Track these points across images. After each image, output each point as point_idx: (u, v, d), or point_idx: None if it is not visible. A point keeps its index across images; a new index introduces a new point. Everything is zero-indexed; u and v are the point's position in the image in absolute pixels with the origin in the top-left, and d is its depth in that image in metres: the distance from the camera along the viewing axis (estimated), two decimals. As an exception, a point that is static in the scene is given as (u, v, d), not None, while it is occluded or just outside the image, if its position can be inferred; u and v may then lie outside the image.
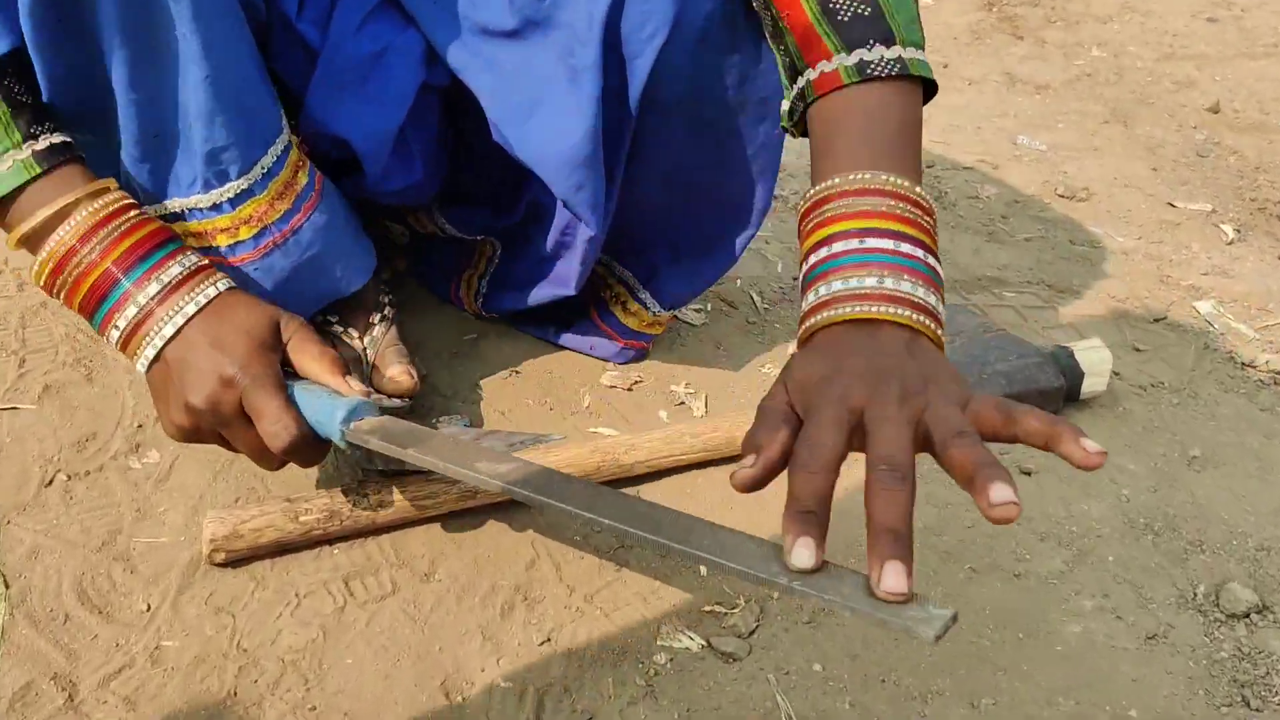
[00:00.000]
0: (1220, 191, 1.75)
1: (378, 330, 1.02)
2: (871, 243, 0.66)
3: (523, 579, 0.90)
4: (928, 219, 0.68)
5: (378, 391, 0.99)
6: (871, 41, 0.73)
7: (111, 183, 0.80)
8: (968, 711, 0.82)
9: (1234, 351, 1.30)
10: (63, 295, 0.79)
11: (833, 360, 0.63)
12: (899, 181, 0.68)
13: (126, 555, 0.88)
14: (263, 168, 0.86)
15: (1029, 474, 1.06)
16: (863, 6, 0.74)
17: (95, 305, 0.79)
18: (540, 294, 1.07)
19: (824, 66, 0.74)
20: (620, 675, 0.83)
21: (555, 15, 0.88)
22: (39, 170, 0.76)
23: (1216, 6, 2.57)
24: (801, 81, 0.76)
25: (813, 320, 0.66)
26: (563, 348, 1.16)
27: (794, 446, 0.59)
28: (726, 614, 0.88)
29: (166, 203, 0.85)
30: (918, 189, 0.69)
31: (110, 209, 0.78)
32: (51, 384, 1.05)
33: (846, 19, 0.74)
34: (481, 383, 1.12)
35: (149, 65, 0.78)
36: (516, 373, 1.14)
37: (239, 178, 0.85)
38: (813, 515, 0.57)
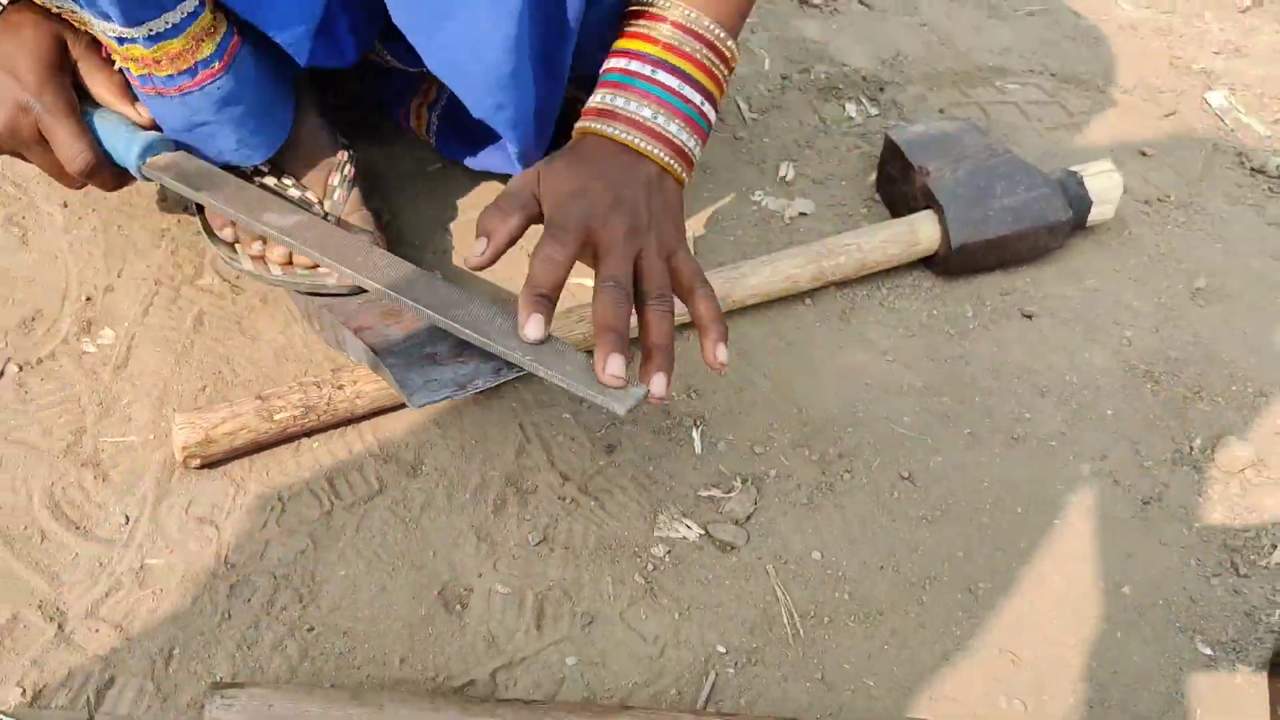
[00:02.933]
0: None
1: (339, 193, 0.93)
2: (661, 76, 0.78)
3: (513, 468, 0.87)
4: (724, 69, 0.81)
5: None
6: None
7: None
8: (965, 597, 0.83)
9: (1244, 154, 1.23)
10: None
11: (584, 176, 0.76)
12: (716, 31, 0.79)
13: (95, 459, 0.84)
14: (149, 29, 0.78)
15: (1030, 317, 1.02)
16: None
17: None
18: (488, 160, 0.99)
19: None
20: (619, 573, 0.82)
21: None
22: None
23: None
24: None
25: (589, 122, 0.79)
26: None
27: (538, 243, 0.72)
28: (723, 499, 0.86)
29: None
30: (730, 42, 0.81)
31: None
32: (-16, 250, 0.96)
33: None
34: (451, 226, 1.05)
35: None
36: (489, 212, 1.06)
37: (123, 26, 0.77)
38: (545, 299, 0.71)
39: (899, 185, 1.08)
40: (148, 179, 0.86)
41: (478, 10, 0.78)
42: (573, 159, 0.78)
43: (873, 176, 1.14)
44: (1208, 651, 0.81)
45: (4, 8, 0.82)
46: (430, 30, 0.81)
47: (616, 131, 0.78)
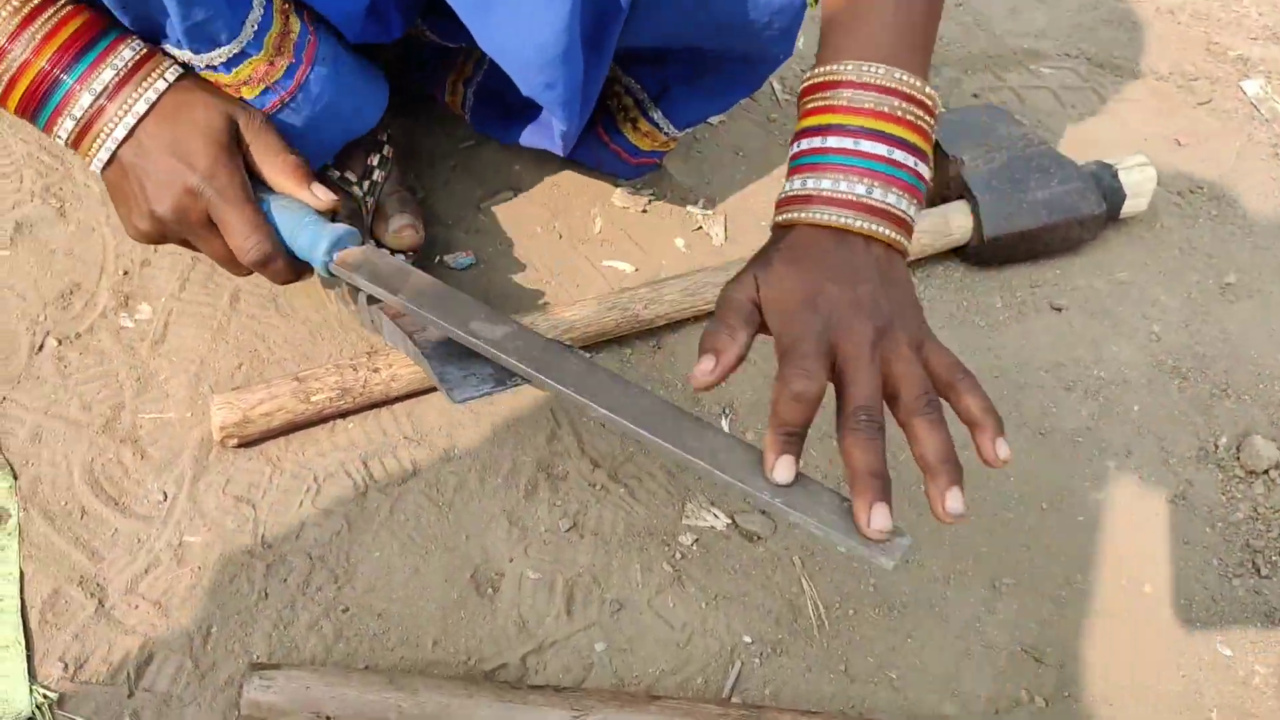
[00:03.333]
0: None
1: (378, 174, 0.93)
2: (866, 146, 0.67)
3: (544, 453, 0.88)
4: (928, 120, 0.69)
5: (379, 243, 0.92)
6: None
7: None
8: (988, 593, 0.84)
9: (1278, 145, 1.22)
10: None
11: (810, 279, 0.66)
12: (911, 81, 0.68)
13: (134, 435, 0.85)
14: (253, 24, 0.75)
15: (1060, 310, 1.02)
16: None
17: (37, 107, 0.73)
18: (527, 137, 0.98)
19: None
20: (647, 560, 0.83)
21: None
22: None
23: None
24: None
25: (793, 213, 0.69)
26: (568, 160, 1.07)
27: (781, 372, 0.62)
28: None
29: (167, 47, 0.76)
30: (928, 89, 0.69)
31: (35, 2, 0.71)
32: (22, 221, 0.97)
33: None
34: (483, 206, 1.05)
35: None
36: (519, 192, 1.06)
37: (230, 42, 0.75)
38: (795, 438, 0.62)
39: (933, 172, 1.07)
40: (334, 275, 0.77)
41: None
42: (789, 259, 0.68)
43: (905, 162, 1.13)
44: (1227, 652, 0.82)
45: (169, 84, 0.74)
46: (483, 9, 0.80)
47: (828, 218, 0.67)
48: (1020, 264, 1.05)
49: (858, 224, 0.67)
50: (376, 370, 0.86)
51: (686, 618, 0.80)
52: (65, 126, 0.73)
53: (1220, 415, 0.97)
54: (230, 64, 0.76)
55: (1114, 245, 1.08)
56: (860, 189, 0.67)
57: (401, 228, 0.91)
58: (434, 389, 0.89)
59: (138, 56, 0.73)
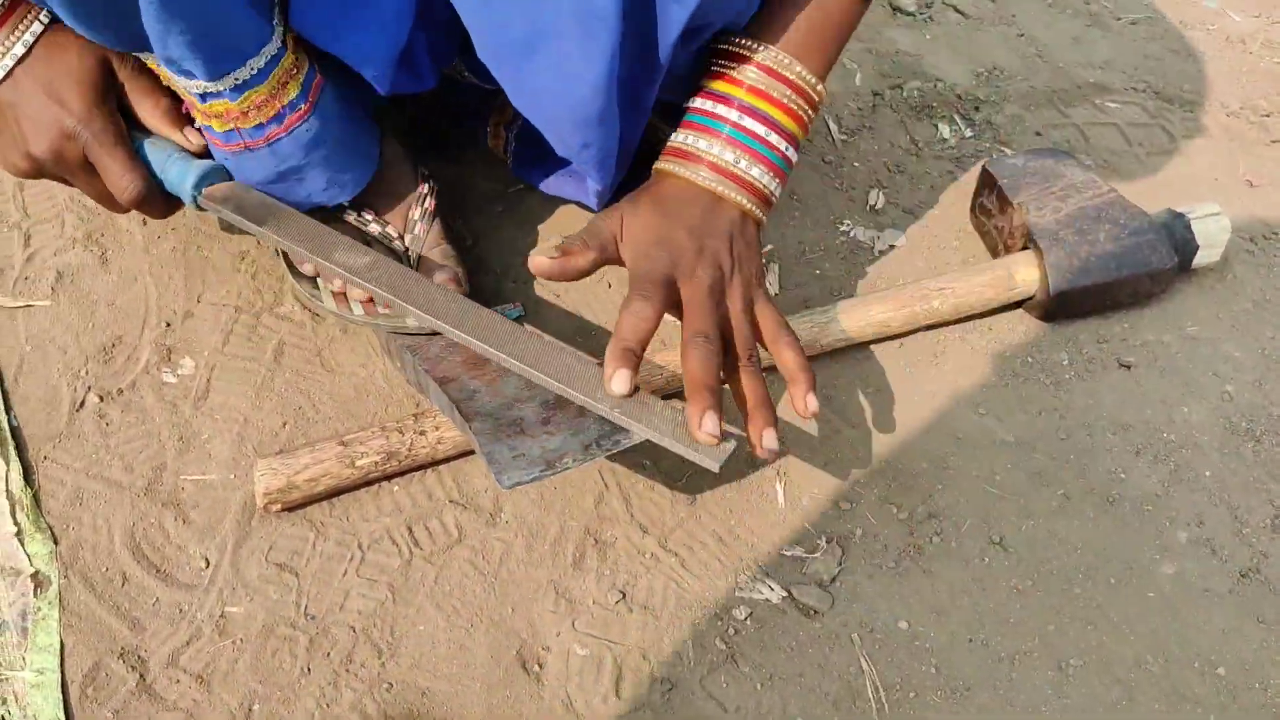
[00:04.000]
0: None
1: (419, 227, 0.91)
2: (748, 122, 0.79)
3: (592, 518, 0.85)
4: (810, 112, 0.82)
5: None
6: None
7: None
8: (1055, 674, 0.80)
9: (1357, 186, 1.17)
10: None
11: (667, 224, 0.77)
12: (806, 77, 0.80)
13: (176, 498, 0.84)
14: (235, 79, 0.76)
15: (1128, 367, 0.98)
16: None
17: None
18: (563, 186, 0.96)
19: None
20: (699, 637, 0.80)
21: None
22: None
23: None
24: None
25: (672, 164, 0.81)
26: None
27: (626, 296, 0.73)
28: (807, 558, 0.84)
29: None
30: (819, 86, 0.81)
31: None
32: (64, 270, 0.96)
33: None
34: (532, 252, 1.02)
35: None
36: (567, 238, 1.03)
37: (208, 81, 0.75)
38: (632, 353, 0.71)
39: (994, 219, 1.04)
40: (202, 209, 0.84)
41: (568, 47, 0.74)
42: (655, 204, 0.79)
43: (966, 205, 1.10)
44: (1308, 744, 0.78)
45: (45, 26, 0.79)
46: (517, 64, 0.78)
47: (699, 177, 0.79)
48: (1087, 318, 1.01)
49: (720, 189, 0.79)
50: (423, 433, 0.84)
51: (740, 699, 0.77)
52: None
53: (1298, 481, 0.92)
54: (205, 96, 0.77)
55: (1184, 297, 1.04)
56: (729, 157, 0.79)
57: (444, 283, 0.89)
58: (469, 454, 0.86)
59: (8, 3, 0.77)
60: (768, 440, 0.71)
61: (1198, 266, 1.03)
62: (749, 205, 0.80)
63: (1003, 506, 0.88)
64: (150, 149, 0.84)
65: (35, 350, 0.91)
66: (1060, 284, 0.96)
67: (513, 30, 0.75)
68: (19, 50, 0.78)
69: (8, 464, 0.84)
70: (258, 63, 0.75)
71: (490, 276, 1.00)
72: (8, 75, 0.78)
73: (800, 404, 0.75)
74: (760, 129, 0.80)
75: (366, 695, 0.76)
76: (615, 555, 0.84)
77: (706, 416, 0.70)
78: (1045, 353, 0.99)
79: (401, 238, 0.91)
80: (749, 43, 0.80)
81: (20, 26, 0.78)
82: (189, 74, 0.74)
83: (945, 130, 1.18)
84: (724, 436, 0.71)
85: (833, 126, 1.17)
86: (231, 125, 0.78)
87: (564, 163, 0.97)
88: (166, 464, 0.85)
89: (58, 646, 0.76)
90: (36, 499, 0.83)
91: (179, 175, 0.83)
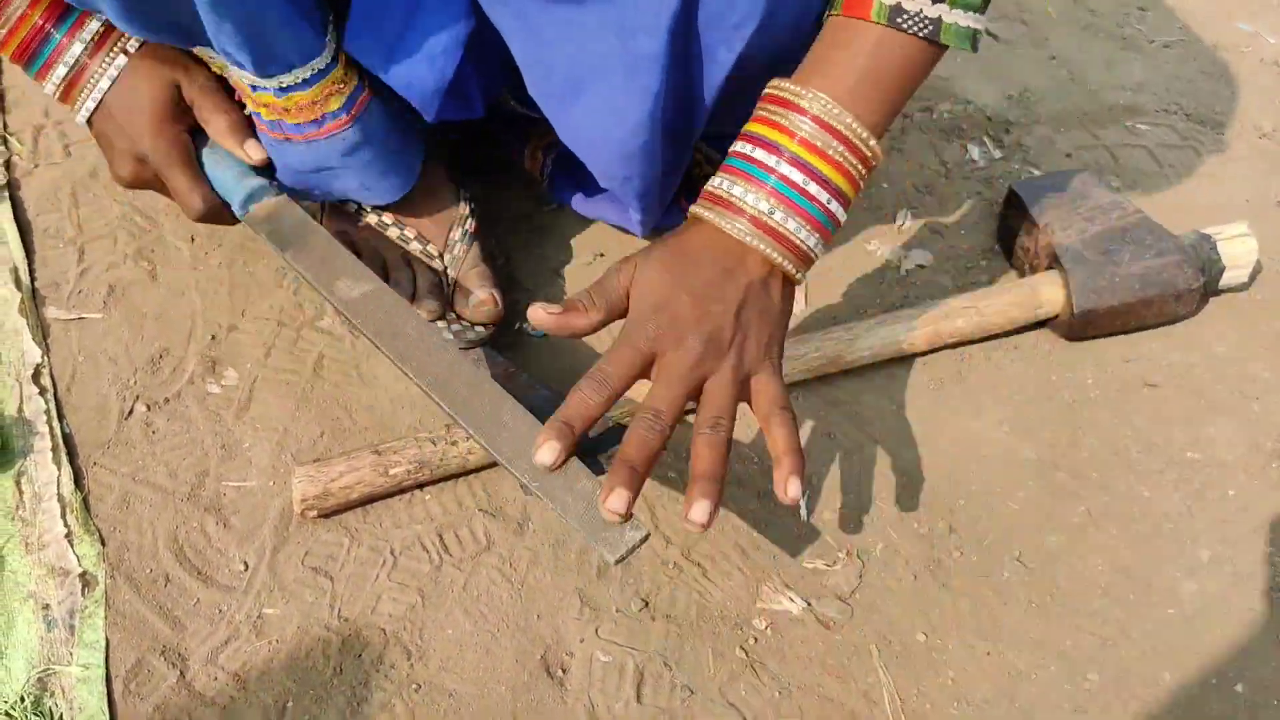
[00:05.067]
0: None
1: (459, 248, 0.95)
2: (785, 169, 0.71)
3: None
4: (860, 169, 0.73)
5: (459, 317, 0.93)
6: None
7: None
8: (1071, 689, 0.81)
9: (1392, 207, 1.17)
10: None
11: (672, 285, 0.71)
12: (857, 129, 0.72)
13: (217, 504, 0.87)
14: (279, 82, 0.80)
15: (1154, 386, 0.99)
16: None
17: (31, 56, 0.86)
18: (602, 209, 0.99)
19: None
20: (719, 645, 0.82)
21: None
22: None
23: None
24: None
25: (704, 210, 0.74)
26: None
27: (591, 371, 0.69)
28: (827, 571, 0.86)
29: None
30: (871, 142, 0.73)
31: None
32: (115, 284, 1.00)
33: None
34: (564, 271, 1.05)
35: None
36: (601, 256, 1.06)
37: (256, 76, 0.79)
38: (569, 428, 0.68)
39: (1021, 239, 1.05)
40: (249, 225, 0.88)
41: (614, 87, 0.77)
42: (671, 259, 0.73)
43: (994, 226, 1.11)
44: (1327, 763, 0.78)
45: (128, 58, 0.86)
46: (565, 102, 0.81)
47: (734, 229, 0.72)
48: (1112, 336, 1.01)
49: (753, 242, 0.72)
50: (454, 443, 0.87)
51: (759, 707, 0.79)
52: (58, 73, 0.85)
53: (1324, 502, 0.92)
54: (284, 91, 0.81)
55: (1211, 318, 1.04)
56: (764, 206, 0.72)
57: (480, 303, 0.92)
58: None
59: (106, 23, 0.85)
60: (695, 512, 0.66)
61: (1225, 287, 1.03)
62: (780, 260, 0.73)
63: (1024, 523, 0.89)
64: (210, 160, 0.89)
65: (87, 361, 0.95)
66: (1085, 304, 0.97)
67: (561, 69, 0.78)
68: (105, 84, 0.86)
69: (59, 469, 0.88)
70: (303, 73, 0.79)
71: (523, 293, 1.03)
72: (99, 106, 0.87)
73: (781, 488, 0.69)
74: (800, 178, 0.71)
75: (395, 696, 0.78)
76: (639, 564, 0.86)
77: (615, 493, 0.66)
78: (1070, 372, 0.99)
79: (441, 256, 0.94)
80: (799, 89, 0.72)
81: (106, 60, 0.86)
82: (240, 65, 0.78)
83: (975, 152, 1.20)
84: (633, 524, 0.67)
85: (862, 148, 1.19)
86: (275, 117, 0.83)
87: (602, 188, 1.00)
88: (209, 470, 0.89)
89: (103, 643, 0.79)
90: (86, 503, 0.87)
91: (232, 189, 0.88)
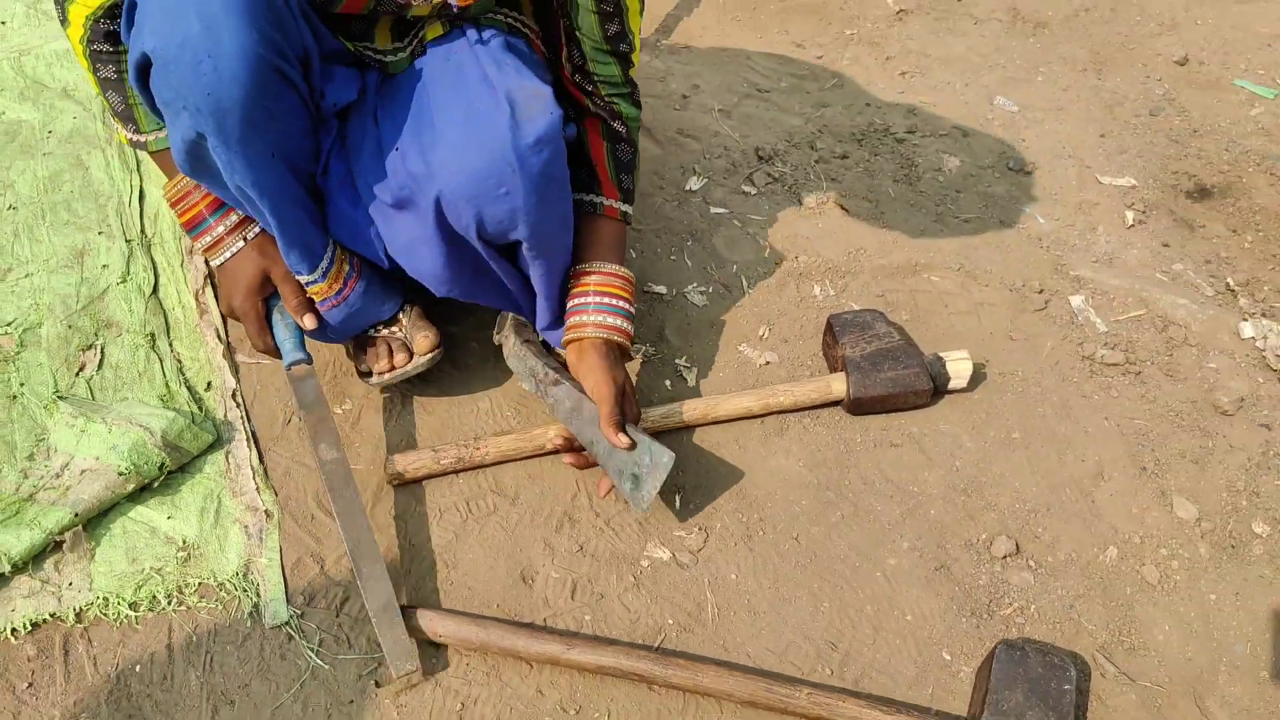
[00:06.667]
0: (1150, 161, 2.20)
1: (405, 320, 1.60)
2: (606, 300, 1.51)
3: (569, 506, 1.53)
4: (630, 286, 1.55)
5: (416, 354, 1.58)
6: (627, 200, 1.53)
7: None
8: (813, 608, 1.46)
9: (1083, 344, 1.83)
10: (176, 210, 1.45)
11: (594, 368, 1.47)
12: (621, 271, 1.54)
13: (341, 476, 1.53)
14: (320, 270, 1.44)
15: (897, 446, 1.65)
16: (626, 178, 1.51)
17: (193, 225, 1.46)
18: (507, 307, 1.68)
19: (610, 202, 1.56)
20: (620, 573, 1.47)
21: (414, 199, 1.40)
22: (156, 150, 1.45)
23: (1225, -66, 2.83)
24: (597, 199, 1.56)
25: (578, 334, 1.51)
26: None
27: (611, 415, 1.45)
28: (685, 537, 1.51)
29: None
30: (624, 271, 1.55)
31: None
32: (279, 342, 1.66)
33: (624, 185, 1.58)
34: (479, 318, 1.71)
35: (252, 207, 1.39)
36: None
37: (309, 274, 1.44)
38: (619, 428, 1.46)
39: (831, 350, 1.71)
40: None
41: (424, 252, 1.45)
42: (584, 357, 1.49)
43: (820, 340, 1.77)
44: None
45: (246, 242, 1.47)
46: (408, 261, 1.48)
47: (599, 335, 1.50)
48: (877, 414, 1.67)
49: (612, 337, 1.51)
50: (479, 449, 1.53)
51: (639, 607, 1.44)
52: (205, 240, 1.45)
53: (986, 522, 1.58)
54: (310, 283, 1.45)
55: (941, 408, 1.70)
56: (608, 320, 1.51)
57: (420, 339, 1.56)
58: (515, 459, 1.55)
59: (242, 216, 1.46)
60: (621, 439, 1.42)
61: (951, 389, 1.70)
62: (622, 341, 1.52)
63: (803, 518, 1.55)
64: (278, 320, 1.52)
65: (263, 388, 1.61)
66: (856, 393, 1.63)
67: (399, 243, 1.45)
68: (228, 255, 1.47)
69: (250, 450, 1.53)
70: (324, 261, 1.44)
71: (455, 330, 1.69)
72: (223, 264, 1.48)
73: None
74: (609, 302, 1.51)
75: (440, 590, 1.43)
76: (580, 527, 1.51)
77: (621, 433, 1.42)
78: (846, 434, 1.65)
79: (400, 331, 1.60)
80: (592, 264, 1.53)
81: (233, 240, 1.46)
82: (299, 272, 1.43)
83: (818, 290, 1.86)
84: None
85: (745, 282, 1.85)
86: (322, 295, 1.47)
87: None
88: (336, 457, 1.54)
89: (278, 549, 1.44)
90: (265, 472, 1.52)
91: (285, 348, 1.51)
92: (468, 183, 1.31)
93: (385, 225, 1.43)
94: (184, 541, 1.41)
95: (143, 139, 1.43)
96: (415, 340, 1.59)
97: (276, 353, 1.52)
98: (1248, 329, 1.86)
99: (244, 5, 1.14)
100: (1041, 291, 1.92)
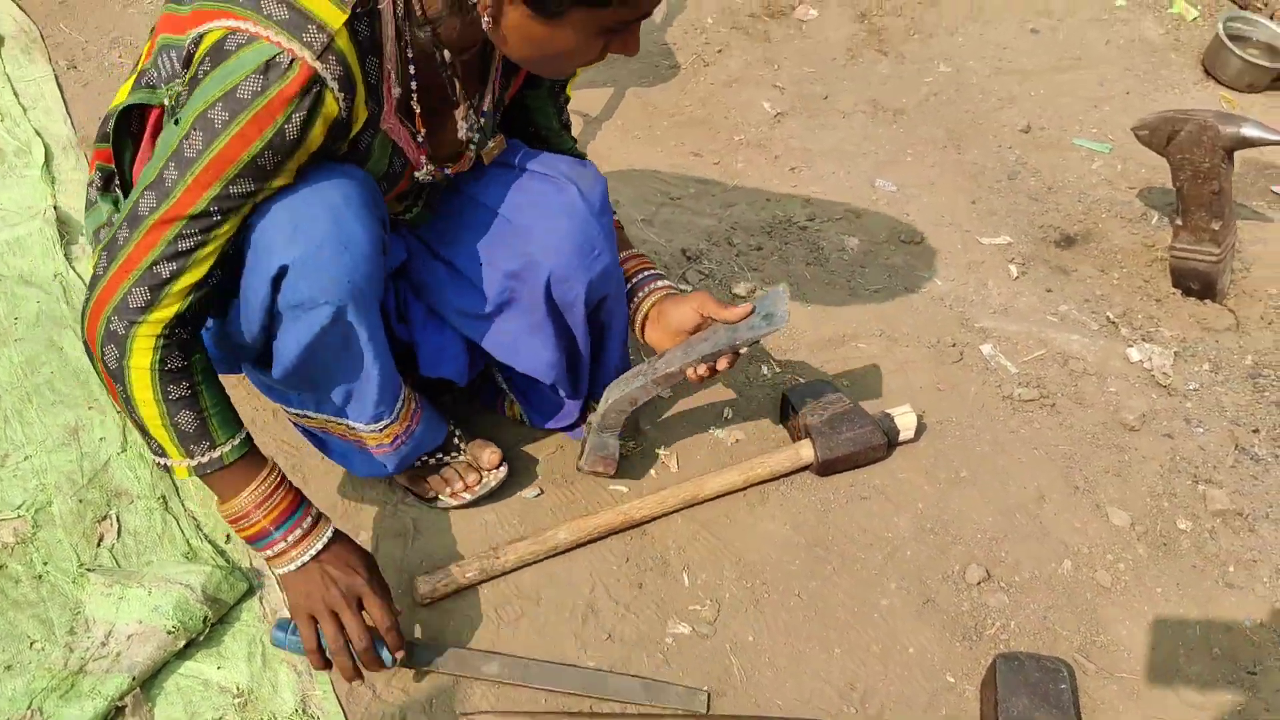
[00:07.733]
0: (1019, 219, 2.48)
1: (460, 443, 1.73)
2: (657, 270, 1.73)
3: (589, 599, 1.65)
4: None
5: (483, 471, 1.71)
6: None
7: (270, 463, 1.40)
8: (815, 658, 1.61)
9: (1000, 385, 2.06)
10: (234, 528, 1.39)
11: (682, 299, 1.64)
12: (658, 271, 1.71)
13: (372, 603, 1.62)
14: (396, 411, 1.56)
15: (865, 499, 1.83)
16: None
17: (255, 539, 1.39)
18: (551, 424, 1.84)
19: (654, 284, 1.70)
20: (649, 651, 1.59)
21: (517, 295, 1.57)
22: (231, 461, 1.35)
23: (1040, 16, 3.21)
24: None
25: (664, 291, 1.69)
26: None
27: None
28: (699, 609, 1.65)
29: (344, 420, 1.55)
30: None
31: (270, 486, 1.38)
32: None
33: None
34: (544, 453, 1.84)
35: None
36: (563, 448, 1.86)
37: (389, 416, 1.55)
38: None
39: (792, 421, 1.89)
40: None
41: (533, 343, 1.61)
42: (671, 310, 1.67)
43: (778, 414, 1.95)
44: (948, 678, 1.60)
45: (324, 544, 1.41)
46: (511, 358, 1.63)
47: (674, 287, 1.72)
48: (843, 473, 1.86)
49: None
50: (498, 558, 1.64)
51: (673, 680, 1.56)
52: (267, 554, 1.39)
53: (956, 554, 1.76)
54: (382, 428, 1.55)
55: (895, 458, 1.89)
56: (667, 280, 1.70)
57: (485, 456, 1.71)
58: (529, 564, 1.66)
59: (315, 519, 1.42)
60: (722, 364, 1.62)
61: (901, 441, 1.89)
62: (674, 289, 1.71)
63: (799, 576, 1.71)
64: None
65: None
66: (823, 457, 1.81)
67: (505, 345, 1.60)
68: (312, 552, 1.40)
69: (282, 592, 1.61)
70: (400, 400, 1.55)
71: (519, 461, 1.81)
72: (304, 565, 1.39)
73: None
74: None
75: (487, 697, 1.53)
76: (603, 616, 1.63)
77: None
78: (821, 494, 1.83)
79: (462, 454, 1.72)
80: (638, 252, 1.72)
81: (317, 537, 1.41)
82: (379, 417, 1.52)
83: (764, 369, 2.05)
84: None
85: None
86: (391, 436, 1.57)
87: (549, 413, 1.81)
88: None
89: (329, 681, 1.52)
90: (298, 609, 1.60)
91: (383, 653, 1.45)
92: (573, 255, 1.51)
93: (487, 335, 1.59)
94: (238, 688, 1.47)
95: (218, 452, 1.33)
96: (481, 458, 1.70)
97: (381, 664, 1.45)
98: (1134, 353, 2.13)
99: (363, 197, 1.31)
100: (955, 345, 2.15)
